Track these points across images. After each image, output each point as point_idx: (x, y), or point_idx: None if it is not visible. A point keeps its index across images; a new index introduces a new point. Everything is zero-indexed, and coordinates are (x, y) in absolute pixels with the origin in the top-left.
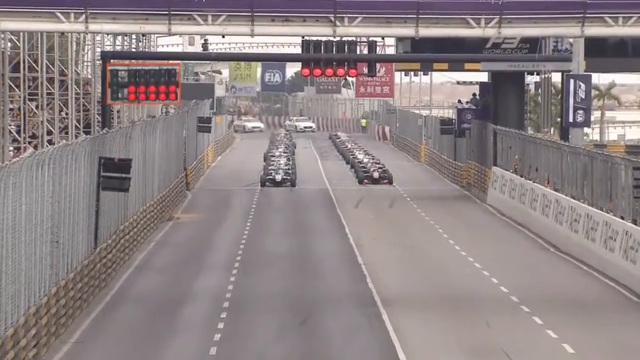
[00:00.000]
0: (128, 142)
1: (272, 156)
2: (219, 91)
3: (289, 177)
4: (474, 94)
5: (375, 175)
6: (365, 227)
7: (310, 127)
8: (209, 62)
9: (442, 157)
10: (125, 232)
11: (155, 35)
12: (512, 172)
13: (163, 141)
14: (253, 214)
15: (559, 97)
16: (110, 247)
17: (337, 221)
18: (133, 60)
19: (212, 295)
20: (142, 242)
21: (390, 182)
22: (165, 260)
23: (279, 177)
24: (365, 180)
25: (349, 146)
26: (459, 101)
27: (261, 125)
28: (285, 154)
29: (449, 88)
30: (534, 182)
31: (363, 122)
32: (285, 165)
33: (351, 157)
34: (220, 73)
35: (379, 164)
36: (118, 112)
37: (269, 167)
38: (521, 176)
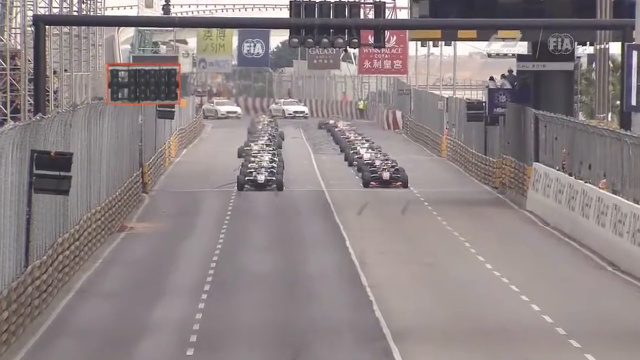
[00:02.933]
0: (68, 131)
1: (251, 151)
2: (185, 66)
3: (274, 178)
4: (510, 70)
5: (386, 176)
6: (371, 240)
7: (302, 112)
8: (171, 29)
9: (469, 150)
10: (65, 247)
11: None
12: (558, 170)
13: (113, 130)
14: (228, 222)
15: (619, 74)
16: (45, 266)
17: (335, 232)
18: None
19: (175, 328)
20: (86, 259)
21: (405, 185)
22: (115, 282)
23: (261, 178)
24: (373, 183)
25: (351, 137)
26: (491, 79)
27: (238, 109)
28: (269, 148)
29: (478, 62)
30: (586, 182)
31: (361, 104)
32: (270, 162)
33: (352, 152)
34: (185, 43)
35: (388, 160)
36: (55, 93)
37: (249, 165)
38: (570, 175)
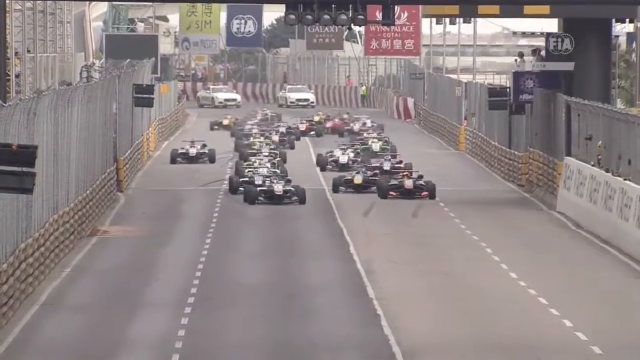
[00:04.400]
0: (32, 121)
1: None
2: (166, 47)
3: (292, 188)
4: (538, 51)
5: (408, 184)
6: (379, 246)
7: (307, 99)
8: (150, 3)
9: (491, 143)
10: (28, 253)
11: None
12: (593, 165)
13: (83, 120)
14: (215, 226)
15: None
16: (5, 275)
17: (338, 237)
18: None
19: (154, 347)
20: (53, 268)
21: (432, 196)
22: (86, 294)
23: (279, 189)
24: (392, 193)
25: (355, 128)
26: (520, 55)
27: (237, 97)
28: (267, 152)
29: (502, 42)
30: (625, 179)
31: (362, 89)
32: (270, 166)
33: (361, 148)
34: (166, 20)
35: (400, 163)
36: (17, 77)
37: (245, 165)
38: (607, 171)
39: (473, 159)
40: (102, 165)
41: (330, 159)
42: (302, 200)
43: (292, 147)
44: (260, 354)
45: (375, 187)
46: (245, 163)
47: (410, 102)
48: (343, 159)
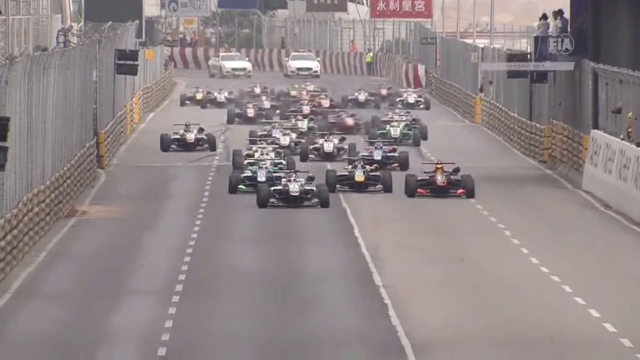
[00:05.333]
0: (3, 90)
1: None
2: (151, 8)
3: (313, 188)
4: (561, 12)
5: (441, 180)
6: (387, 229)
7: (310, 68)
8: None
9: (509, 114)
10: None
11: None
12: (623, 139)
13: (60, 89)
14: (206, 206)
15: None
16: None
17: (341, 219)
18: None
19: (139, 339)
20: (26, 252)
21: (471, 194)
22: (63, 281)
23: (295, 188)
24: (422, 190)
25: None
26: (543, 17)
27: (248, 65)
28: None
29: (521, 2)
30: None
31: (368, 56)
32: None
33: (377, 132)
34: None
35: (394, 152)
36: None
37: (245, 156)
38: (638, 145)
39: (490, 132)
40: (80, 139)
41: (312, 146)
42: (324, 203)
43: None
44: (255, 348)
45: (380, 186)
46: (245, 153)
47: (421, 69)
48: (328, 147)
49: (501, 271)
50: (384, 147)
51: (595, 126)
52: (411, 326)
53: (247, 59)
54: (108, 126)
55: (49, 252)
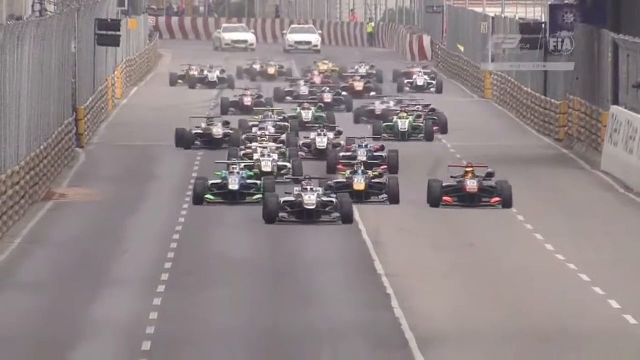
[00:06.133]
0: None
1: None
2: None
3: (334, 200)
4: None
5: (471, 186)
6: (389, 212)
7: (309, 42)
8: None
9: (522, 89)
10: None
11: None
12: None
13: (36, 61)
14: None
15: None
16: None
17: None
18: None
19: (121, 332)
20: (0, 238)
21: (508, 204)
22: (39, 269)
23: (311, 200)
24: (447, 198)
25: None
26: None
27: (250, 36)
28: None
29: None
30: None
31: (369, 26)
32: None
33: (382, 126)
34: None
35: (382, 151)
36: None
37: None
38: None
39: (501, 108)
40: (58, 115)
41: (302, 142)
42: (347, 218)
43: None
44: (247, 342)
45: (384, 195)
46: (242, 153)
47: (427, 40)
48: (321, 142)
49: (513, 258)
50: (368, 145)
51: (615, 102)
52: (415, 317)
53: (252, 31)
54: (88, 102)
55: (23, 238)
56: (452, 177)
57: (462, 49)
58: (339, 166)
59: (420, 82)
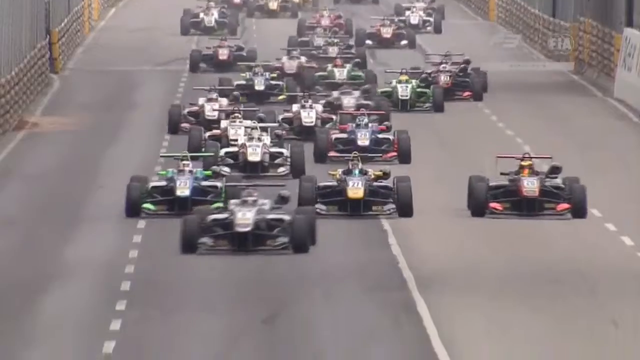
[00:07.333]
0: None
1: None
2: None
3: (286, 217)
4: None
5: (529, 188)
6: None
7: None
8: None
9: (529, 10)
10: None
11: None
12: None
13: None
14: None
15: None
16: None
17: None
18: None
19: (99, 271)
20: None
21: (580, 213)
22: (10, 204)
23: (245, 220)
24: (497, 206)
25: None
26: None
27: None
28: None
29: None
30: None
31: None
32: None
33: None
34: None
35: (388, 132)
36: None
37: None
38: None
39: (507, 30)
40: (31, 39)
41: (282, 116)
42: (299, 246)
43: None
44: (236, 281)
45: (392, 206)
46: (208, 134)
47: None
48: (308, 118)
49: None
50: (372, 124)
51: (629, 24)
52: (415, 257)
53: None
54: (62, 24)
55: None
56: (502, 173)
57: None
58: (331, 153)
59: (414, 19)
